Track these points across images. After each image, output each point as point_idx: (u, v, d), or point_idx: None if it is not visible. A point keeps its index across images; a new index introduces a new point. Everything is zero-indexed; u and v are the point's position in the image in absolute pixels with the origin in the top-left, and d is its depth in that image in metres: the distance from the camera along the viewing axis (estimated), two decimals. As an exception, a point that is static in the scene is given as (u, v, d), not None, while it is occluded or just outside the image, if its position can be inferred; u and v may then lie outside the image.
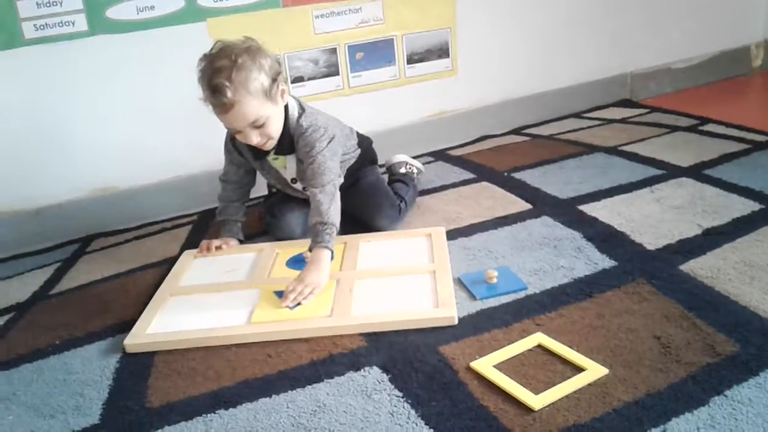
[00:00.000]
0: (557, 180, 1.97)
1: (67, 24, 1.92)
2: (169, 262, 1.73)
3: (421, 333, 1.28)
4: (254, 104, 1.49)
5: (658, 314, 1.24)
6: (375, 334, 1.29)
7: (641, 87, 2.86)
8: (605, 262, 1.46)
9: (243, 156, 1.73)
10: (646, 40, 2.83)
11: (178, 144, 2.15)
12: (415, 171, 2.04)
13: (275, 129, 1.57)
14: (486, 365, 1.15)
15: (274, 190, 1.89)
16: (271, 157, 1.69)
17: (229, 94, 1.44)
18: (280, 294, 1.45)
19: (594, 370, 1.10)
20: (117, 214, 2.11)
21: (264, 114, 1.51)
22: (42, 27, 1.90)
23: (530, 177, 2.02)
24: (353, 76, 2.31)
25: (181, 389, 1.20)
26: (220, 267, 1.66)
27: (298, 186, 1.75)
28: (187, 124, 2.13)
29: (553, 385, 1.08)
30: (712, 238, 1.50)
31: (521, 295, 1.37)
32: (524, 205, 1.82)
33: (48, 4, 1.89)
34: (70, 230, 2.07)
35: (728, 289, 1.29)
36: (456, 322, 1.29)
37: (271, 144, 1.60)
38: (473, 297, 1.39)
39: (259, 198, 2.05)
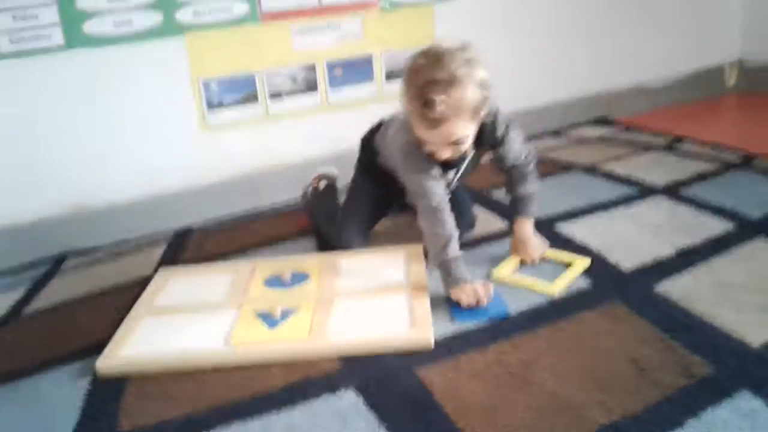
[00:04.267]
0: (535, 198, 1.98)
1: (43, 38, 1.90)
2: (144, 281, 1.70)
3: (396, 355, 1.27)
4: (462, 123, 1.38)
5: (633, 336, 1.24)
6: (350, 356, 1.28)
7: (617, 105, 2.89)
8: (581, 283, 1.46)
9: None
10: (622, 59, 2.86)
11: (153, 160, 2.13)
12: None
13: (468, 144, 1.45)
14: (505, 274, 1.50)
15: (323, 183, 1.90)
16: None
17: (441, 109, 1.33)
18: (259, 314, 1.44)
19: (581, 261, 1.51)
20: (91, 232, 2.08)
21: (467, 133, 1.41)
22: (18, 40, 1.88)
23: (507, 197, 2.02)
24: (332, 93, 2.31)
25: (154, 413, 1.18)
26: (197, 286, 1.64)
27: (454, 184, 1.67)
28: (163, 140, 2.12)
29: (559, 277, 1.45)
30: (686, 258, 1.52)
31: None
32: (503, 225, 1.83)
33: (24, 18, 1.87)
34: (43, 248, 2.04)
35: (702, 310, 1.30)
36: (432, 345, 1.29)
37: (458, 153, 1.47)
38: (452, 318, 1.39)
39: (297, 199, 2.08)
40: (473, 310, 1.40)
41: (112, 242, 2.10)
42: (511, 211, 1.68)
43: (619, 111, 2.90)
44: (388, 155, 1.68)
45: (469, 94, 1.35)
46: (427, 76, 1.34)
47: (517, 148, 1.60)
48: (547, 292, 1.43)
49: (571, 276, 1.48)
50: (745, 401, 1.04)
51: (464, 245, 1.68)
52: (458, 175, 1.66)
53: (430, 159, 1.49)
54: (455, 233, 1.49)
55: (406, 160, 1.53)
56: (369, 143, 1.78)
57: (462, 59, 1.36)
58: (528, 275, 1.53)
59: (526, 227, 1.62)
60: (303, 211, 2.01)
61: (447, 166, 1.56)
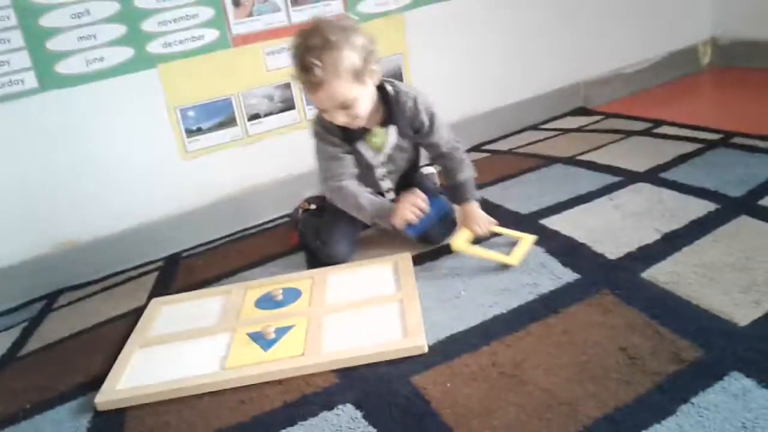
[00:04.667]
0: (518, 195, 1.99)
1: (16, 83, 1.90)
2: (137, 312, 1.71)
3: (392, 364, 1.28)
4: (343, 85, 1.49)
5: (622, 325, 1.25)
6: (347, 369, 1.29)
7: (594, 94, 2.91)
8: (569, 276, 1.47)
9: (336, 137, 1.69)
10: (596, 47, 2.88)
11: (137, 191, 2.14)
12: None
13: (363, 108, 1.57)
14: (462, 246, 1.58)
15: (313, 206, 1.91)
16: (372, 134, 1.68)
17: (318, 72, 1.45)
18: (253, 335, 1.44)
19: (528, 236, 1.64)
20: (82, 267, 2.09)
21: (351, 96, 1.52)
22: (-9, 87, 1.89)
23: (492, 194, 2.04)
24: (309, 108, 2.32)
25: (155, 445, 1.19)
26: (189, 313, 1.64)
27: (383, 172, 1.75)
28: (145, 171, 2.13)
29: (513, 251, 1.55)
30: (671, 243, 1.53)
31: (489, 316, 1.38)
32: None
33: (-5, 65, 1.88)
34: (36, 287, 2.04)
35: (689, 293, 1.31)
36: (426, 350, 1.30)
37: (360, 122, 1.61)
38: (410, 238, 1.64)
39: (283, 217, 2.14)
40: (421, 220, 1.61)
41: (103, 276, 2.10)
42: (453, 198, 1.77)
43: (597, 100, 2.92)
44: None
45: (345, 55, 1.47)
46: (305, 44, 1.48)
47: (445, 135, 1.72)
48: (506, 263, 1.56)
49: (524, 249, 1.60)
50: (736, 382, 1.05)
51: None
52: (382, 157, 1.72)
53: (333, 131, 1.65)
54: (365, 191, 1.69)
55: (315, 142, 1.71)
56: None
57: (337, 26, 1.49)
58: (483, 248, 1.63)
59: (473, 207, 1.72)
60: (292, 228, 2.01)
61: (352, 136, 1.67)
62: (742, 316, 1.21)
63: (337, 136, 1.68)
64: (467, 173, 1.74)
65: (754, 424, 0.96)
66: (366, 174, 1.76)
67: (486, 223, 1.70)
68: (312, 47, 1.46)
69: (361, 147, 1.71)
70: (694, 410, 1.01)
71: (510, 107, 2.74)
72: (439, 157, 1.76)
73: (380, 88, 1.65)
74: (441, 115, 1.72)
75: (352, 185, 1.69)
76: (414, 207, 1.62)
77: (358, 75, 1.51)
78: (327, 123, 1.65)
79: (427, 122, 1.69)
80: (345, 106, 1.54)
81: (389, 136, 1.70)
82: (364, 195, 1.68)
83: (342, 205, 1.71)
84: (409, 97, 1.67)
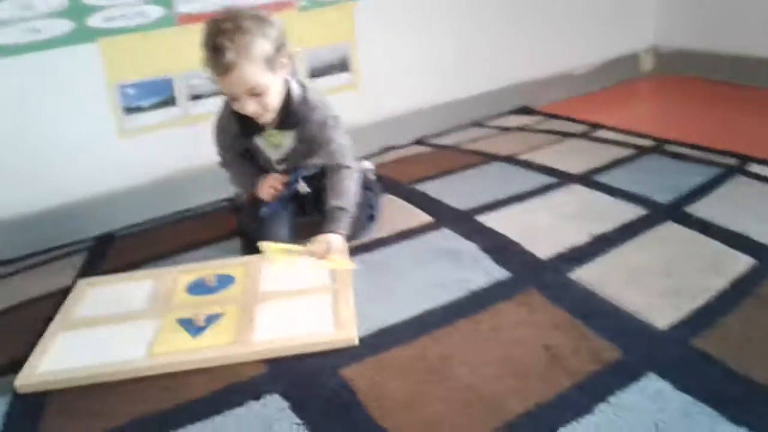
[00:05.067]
0: (458, 191, 2.01)
1: (-56, 49, 1.82)
2: (64, 293, 1.66)
3: (322, 356, 1.28)
4: (254, 70, 1.47)
5: (547, 324, 1.28)
6: (276, 359, 1.29)
7: (537, 94, 2.96)
8: (500, 273, 1.50)
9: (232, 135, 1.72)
10: (542, 48, 2.93)
11: (70, 168, 2.07)
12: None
13: (273, 99, 1.56)
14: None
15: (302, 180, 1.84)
16: (267, 133, 1.68)
17: (229, 55, 1.43)
18: (182, 322, 1.42)
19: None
20: (6, 244, 2.01)
21: (263, 82, 1.50)
22: None
23: (432, 188, 2.06)
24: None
25: (74, 430, 1.16)
26: (118, 296, 1.61)
27: (282, 168, 1.74)
28: (79, 147, 2.07)
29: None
30: (600, 245, 1.57)
31: (420, 311, 1.39)
32: (426, 218, 1.85)
33: (-77, 28, 1.80)
34: (-43, 263, 1.97)
35: (613, 295, 1.35)
36: (357, 342, 1.30)
37: (268, 117, 1.59)
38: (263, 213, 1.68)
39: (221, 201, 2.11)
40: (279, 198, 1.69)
41: (29, 253, 2.04)
42: (323, 223, 1.62)
43: (540, 100, 2.97)
44: None
45: (258, 42, 1.46)
46: (216, 27, 1.47)
47: (333, 148, 1.66)
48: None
49: (333, 265, 1.54)
50: (652, 383, 1.09)
51: (389, 240, 1.71)
52: (280, 153, 1.72)
53: (237, 120, 1.64)
54: (241, 168, 1.77)
55: (216, 122, 1.74)
56: None
57: (250, 15, 1.49)
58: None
59: (333, 238, 1.58)
60: (232, 212, 1.99)
61: (251, 131, 1.68)
62: (661, 318, 1.26)
63: (234, 129, 1.69)
64: (342, 202, 1.60)
65: (668, 426, 1.00)
66: (268, 169, 1.77)
67: (329, 250, 1.55)
68: (224, 30, 1.45)
69: (258, 141, 1.71)
70: (611, 409, 1.04)
71: (455, 102, 2.76)
72: (329, 169, 1.68)
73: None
74: (340, 130, 1.67)
75: (238, 165, 1.78)
76: (271, 188, 1.70)
77: (269, 62, 1.49)
78: (225, 119, 1.69)
79: (319, 134, 1.65)
80: (256, 93, 1.51)
81: (285, 139, 1.70)
82: (238, 169, 1.78)
83: (230, 178, 1.81)
84: (313, 105, 1.64)
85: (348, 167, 1.63)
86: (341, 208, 1.56)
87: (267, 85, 1.52)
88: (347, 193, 1.59)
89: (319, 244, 1.55)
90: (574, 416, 1.03)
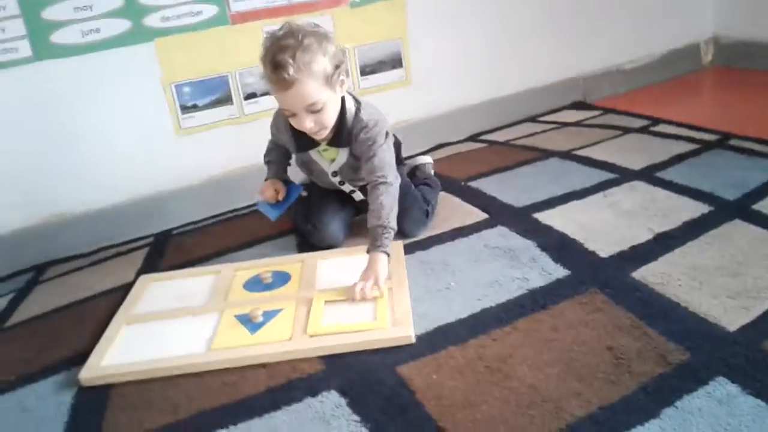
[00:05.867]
0: (513, 188, 1.98)
1: (10, 51, 1.88)
2: (126, 288, 1.70)
3: (379, 353, 1.28)
4: (314, 86, 1.47)
5: (610, 324, 1.25)
6: (333, 356, 1.29)
7: (594, 88, 2.90)
8: (559, 272, 1.47)
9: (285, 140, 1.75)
10: (598, 41, 2.87)
11: (130, 166, 2.12)
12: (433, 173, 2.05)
13: (331, 117, 1.56)
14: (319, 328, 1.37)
15: (305, 193, 1.86)
16: (321, 148, 1.69)
17: (291, 71, 1.43)
18: (240, 318, 1.44)
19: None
20: (72, 240, 2.07)
21: (322, 99, 1.50)
22: (-16, 54, 1.86)
23: (487, 185, 2.03)
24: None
25: (138, 423, 1.18)
26: (177, 291, 1.64)
27: (337, 180, 1.76)
28: (138, 146, 2.11)
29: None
30: (663, 243, 1.53)
31: (477, 309, 1.38)
32: (481, 215, 1.83)
33: (-10, 31, 1.86)
34: (24, 259, 2.03)
35: (678, 295, 1.31)
36: (413, 340, 1.30)
37: (323, 134, 1.59)
38: (269, 219, 1.75)
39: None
40: (279, 203, 1.76)
41: (92, 250, 2.09)
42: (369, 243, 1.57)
43: (597, 94, 2.91)
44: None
45: (318, 59, 1.46)
46: (277, 44, 1.46)
47: (375, 163, 1.61)
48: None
49: (383, 309, 1.41)
50: (721, 387, 1.05)
51: (444, 237, 1.69)
52: (335, 166, 1.72)
53: (293, 134, 1.65)
54: (272, 166, 1.82)
55: (274, 119, 1.77)
56: None
57: (310, 31, 1.49)
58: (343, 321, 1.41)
59: (378, 259, 1.51)
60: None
61: (305, 145, 1.69)
62: (731, 321, 1.21)
63: (289, 143, 1.72)
64: (381, 220, 1.54)
65: (738, 431, 0.96)
66: (322, 178, 1.78)
67: (372, 286, 1.47)
68: (285, 46, 1.44)
69: (313, 155, 1.72)
70: (678, 414, 1.01)
71: (509, 98, 2.72)
72: (369, 184, 1.62)
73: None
74: (385, 146, 1.63)
75: (273, 164, 1.83)
76: (270, 195, 1.76)
77: (328, 80, 1.50)
78: (281, 126, 1.70)
79: (366, 151, 1.62)
80: (314, 110, 1.51)
81: (339, 155, 1.70)
82: (269, 163, 1.83)
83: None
84: (365, 123, 1.62)
85: (386, 182, 1.59)
86: (382, 226, 1.54)
87: (325, 102, 1.51)
88: (385, 210, 1.56)
89: (366, 281, 1.47)
90: (639, 420, 1.01)
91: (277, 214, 1.76)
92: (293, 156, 1.81)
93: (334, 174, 1.74)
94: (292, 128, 1.63)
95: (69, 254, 2.08)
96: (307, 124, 1.53)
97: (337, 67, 1.51)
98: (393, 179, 1.60)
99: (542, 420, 1.04)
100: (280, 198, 1.76)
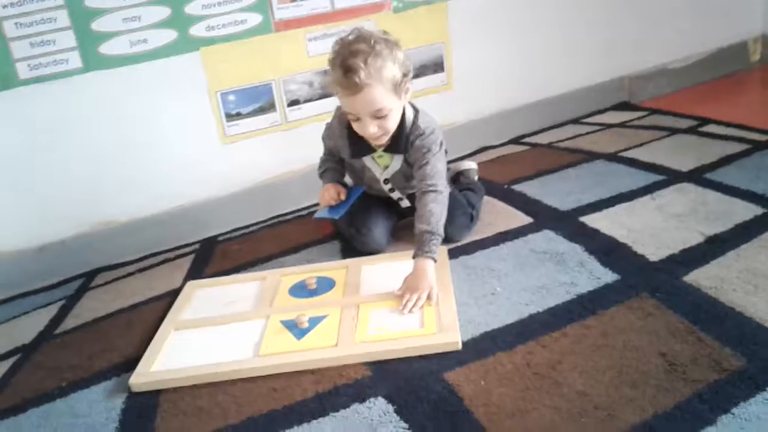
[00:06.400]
0: (558, 191, 1.96)
1: (61, 62, 1.93)
2: (173, 294, 1.73)
3: (425, 359, 1.27)
4: (382, 92, 1.49)
5: (663, 329, 1.23)
6: (380, 362, 1.29)
7: (639, 89, 2.85)
8: (608, 276, 1.45)
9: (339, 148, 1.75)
10: (642, 41, 2.82)
11: (177, 174, 2.16)
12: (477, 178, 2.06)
13: (393, 123, 1.58)
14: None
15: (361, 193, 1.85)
16: (376, 155, 1.70)
17: (362, 75, 1.45)
18: (286, 323, 1.45)
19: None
20: (120, 247, 2.11)
21: (388, 105, 1.52)
22: (36, 66, 1.91)
23: (530, 188, 2.01)
24: (349, 96, 2.31)
25: (188, 429, 1.20)
26: (224, 297, 1.66)
27: (388, 187, 1.77)
28: (185, 153, 2.15)
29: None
30: (715, 246, 1.49)
31: (525, 315, 1.36)
32: (525, 219, 1.81)
33: (41, 44, 1.90)
34: (74, 266, 2.08)
35: (733, 300, 1.28)
36: (460, 346, 1.29)
37: (383, 140, 1.61)
38: (333, 219, 1.72)
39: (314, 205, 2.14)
40: (334, 207, 1.71)
41: (140, 257, 2.13)
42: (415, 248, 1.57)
43: (642, 95, 2.86)
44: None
45: (388, 66, 1.48)
46: (349, 48, 1.48)
47: (428, 171, 1.61)
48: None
49: (431, 314, 1.40)
50: (780, 394, 1.02)
51: (488, 242, 1.68)
52: (387, 173, 1.72)
53: (349, 140, 1.66)
54: (327, 173, 1.79)
55: (326, 130, 1.78)
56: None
57: (381, 38, 1.51)
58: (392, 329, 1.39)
59: (424, 265, 1.50)
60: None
61: (361, 151, 1.69)
62: (789, 326, 1.18)
63: (344, 149, 1.72)
64: (431, 226, 1.54)
65: (798, 439, 0.94)
66: (372, 185, 1.78)
67: (422, 294, 1.46)
68: (357, 51, 1.46)
69: (367, 161, 1.72)
70: (735, 421, 0.98)
71: (552, 99, 2.69)
72: (419, 190, 1.62)
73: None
74: (439, 155, 1.63)
75: (327, 177, 1.79)
76: (331, 199, 1.72)
77: (396, 87, 1.51)
78: (337, 132, 1.70)
79: (420, 158, 1.63)
80: (380, 116, 1.52)
81: (393, 161, 1.71)
82: (325, 171, 1.80)
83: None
84: (421, 131, 1.62)
85: (436, 191, 1.59)
86: (430, 232, 1.54)
87: (391, 109, 1.53)
88: (434, 216, 1.56)
89: (414, 292, 1.46)
90: (695, 427, 0.98)
91: (340, 213, 1.72)
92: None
93: (386, 181, 1.75)
94: (348, 134, 1.65)
95: (117, 261, 2.12)
96: (371, 130, 1.54)
97: (404, 75, 1.53)
98: (443, 188, 1.61)
99: (595, 428, 1.02)
100: (342, 198, 1.73)
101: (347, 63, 1.46)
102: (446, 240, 1.71)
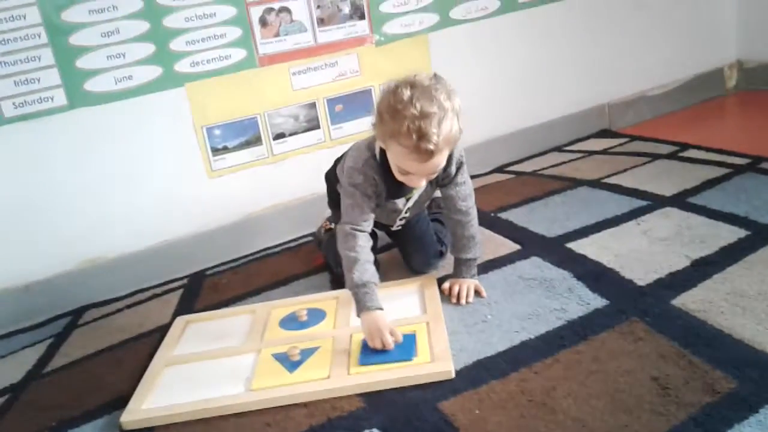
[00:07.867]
0: (544, 218, 1.98)
1: (46, 100, 1.93)
2: (162, 330, 1.72)
3: (419, 389, 1.27)
4: (447, 153, 1.42)
5: (654, 354, 1.23)
6: (373, 393, 1.28)
7: (619, 116, 2.90)
8: (597, 302, 1.46)
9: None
10: (621, 69, 2.87)
11: (164, 209, 2.15)
12: None
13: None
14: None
15: (333, 225, 1.82)
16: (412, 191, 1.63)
17: (436, 141, 1.33)
18: (278, 356, 1.44)
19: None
20: (107, 284, 2.10)
21: (445, 162, 1.46)
22: (21, 104, 1.92)
23: (517, 216, 2.03)
24: (334, 128, 2.33)
25: (181, 466, 1.19)
26: (214, 332, 1.65)
27: (407, 216, 1.72)
28: (171, 189, 2.15)
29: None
30: (701, 270, 1.51)
31: (516, 342, 1.36)
32: (513, 246, 1.83)
33: (26, 82, 1.91)
34: (61, 304, 2.06)
35: (721, 323, 1.29)
36: (453, 375, 1.29)
37: (423, 184, 1.51)
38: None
39: (307, 236, 2.14)
40: (378, 353, 1.39)
41: (128, 293, 2.11)
42: (454, 268, 1.66)
43: (622, 122, 2.90)
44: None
45: (454, 125, 1.38)
46: (420, 108, 1.33)
47: (465, 191, 1.62)
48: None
49: (423, 343, 1.40)
50: (772, 415, 1.03)
51: (477, 269, 1.68)
52: (410, 203, 1.68)
53: (375, 186, 1.52)
54: (368, 258, 1.48)
55: (347, 186, 1.53)
56: (331, 176, 1.80)
57: (444, 90, 1.38)
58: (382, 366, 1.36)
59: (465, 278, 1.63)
60: (317, 248, 2.01)
61: (396, 193, 1.61)
62: (777, 346, 1.19)
63: (379, 192, 1.55)
64: (475, 252, 1.62)
65: (793, 460, 0.94)
66: (388, 216, 1.71)
67: (470, 290, 1.58)
68: (429, 114, 1.32)
69: (398, 201, 1.66)
70: (730, 444, 0.99)
71: (534, 128, 2.73)
72: (454, 212, 1.62)
73: None
74: (467, 172, 1.62)
75: (363, 241, 1.50)
76: (380, 343, 1.39)
77: (456, 140, 1.43)
78: (371, 176, 1.51)
79: (453, 172, 1.58)
80: (435, 173, 1.47)
81: (415, 192, 1.65)
82: (361, 264, 1.47)
83: (340, 249, 1.51)
84: (457, 155, 1.57)
85: (474, 213, 1.63)
86: (474, 259, 1.62)
87: (444, 162, 1.46)
88: (477, 243, 1.63)
89: (459, 282, 1.61)
90: (691, 451, 0.99)
91: (370, 360, 1.39)
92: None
93: (407, 211, 1.70)
94: (385, 176, 1.52)
95: (106, 298, 2.10)
96: (423, 184, 1.49)
97: (461, 126, 1.41)
98: (475, 212, 1.64)
99: (591, 454, 1.02)
100: (400, 341, 1.41)
101: (422, 130, 1.32)
102: (413, 270, 1.77)
